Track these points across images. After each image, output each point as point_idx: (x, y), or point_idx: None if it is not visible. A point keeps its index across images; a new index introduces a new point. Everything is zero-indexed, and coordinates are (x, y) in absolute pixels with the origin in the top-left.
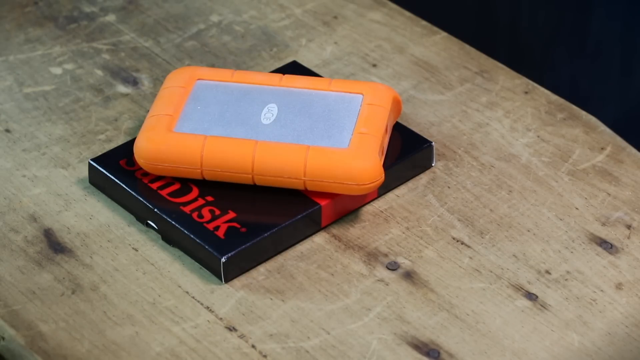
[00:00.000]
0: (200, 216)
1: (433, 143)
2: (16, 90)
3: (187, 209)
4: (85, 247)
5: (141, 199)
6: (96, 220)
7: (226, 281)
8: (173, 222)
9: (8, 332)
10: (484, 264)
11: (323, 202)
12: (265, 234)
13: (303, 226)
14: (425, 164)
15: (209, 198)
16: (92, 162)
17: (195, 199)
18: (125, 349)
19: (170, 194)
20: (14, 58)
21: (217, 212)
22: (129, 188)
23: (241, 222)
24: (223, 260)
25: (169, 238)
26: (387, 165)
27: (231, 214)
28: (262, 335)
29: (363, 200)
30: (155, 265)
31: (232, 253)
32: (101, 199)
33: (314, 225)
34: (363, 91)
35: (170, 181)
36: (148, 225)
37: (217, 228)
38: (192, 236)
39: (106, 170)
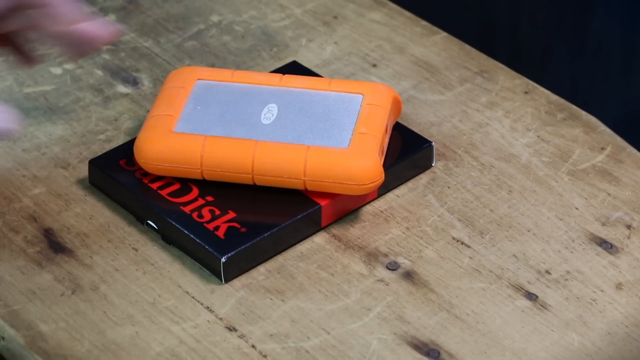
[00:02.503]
0: (200, 216)
1: (433, 143)
2: (16, 90)
3: (187, 209)
4: (85, 247)
5: (141, 199)
6: (96, 220)
7: (226, 281)
8: (173, 222)
9: (8, 332)
10: (484, 264)
11: (323, 202)
12: (265, 234)
13: (303, 226)
14: (425, 164)
15: (209, 198)
16: (92, 162)
17: (195, 199)
18: (125, 349)
19: (170, 194)
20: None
21: (217, 212)
22: (129, 188)
23: (241, 222)
24: (223, 260)
25: (169, 238)
26: (387, 165)
27: (231, 214)
28: (262, 335)
29: (363, 200)
30: (155, 265)
31: (232, 253)
32: (101, 199)
33: (314, 225)
34: (363, 91)
35: (170, 181)
36: (148, 225)
37: (217, 228)
38: (192, 236)
39: (106, 170)
